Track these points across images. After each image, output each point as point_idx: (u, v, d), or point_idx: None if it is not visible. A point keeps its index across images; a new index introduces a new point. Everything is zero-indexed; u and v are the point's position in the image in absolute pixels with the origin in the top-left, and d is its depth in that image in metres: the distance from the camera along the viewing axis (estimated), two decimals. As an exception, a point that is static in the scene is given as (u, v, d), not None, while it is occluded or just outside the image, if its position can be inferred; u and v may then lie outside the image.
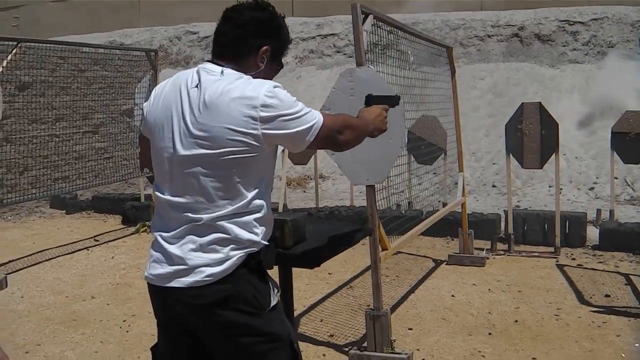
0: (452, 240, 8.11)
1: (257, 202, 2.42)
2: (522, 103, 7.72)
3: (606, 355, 4.79)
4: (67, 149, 9.55)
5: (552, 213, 7.66)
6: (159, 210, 2.51)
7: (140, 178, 10.07)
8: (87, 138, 9.78)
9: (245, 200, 2.38)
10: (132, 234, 9.31)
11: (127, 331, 5.49)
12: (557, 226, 7.42)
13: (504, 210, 8.06)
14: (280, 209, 8.04)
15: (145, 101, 2.71)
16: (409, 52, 5.88)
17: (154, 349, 2.65)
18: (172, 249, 2.39)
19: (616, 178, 10.06)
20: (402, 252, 7.69)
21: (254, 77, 2.41)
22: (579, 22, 13.89)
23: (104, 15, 17.59)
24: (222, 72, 2.41)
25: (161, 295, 2.46)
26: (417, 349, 4.90)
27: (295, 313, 5.62)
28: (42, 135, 9.57)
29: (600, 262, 7.18)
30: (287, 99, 2.36)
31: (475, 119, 12.25)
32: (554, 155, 7.59)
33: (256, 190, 2.41)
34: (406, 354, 4.55)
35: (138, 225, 9.40)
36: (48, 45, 8.68)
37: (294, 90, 13.86)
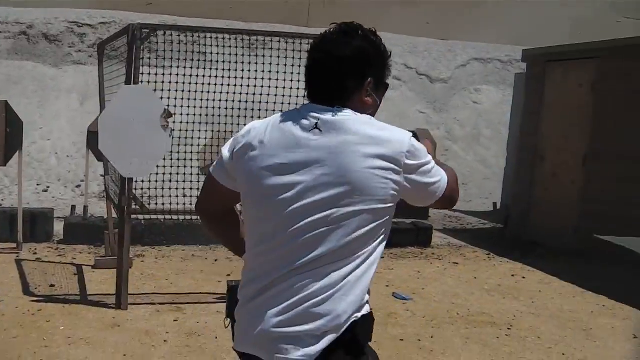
0: None
1: None
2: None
3: (31, 340, 5.10)
4: None
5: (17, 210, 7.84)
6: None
7: None
8: None
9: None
10: None
11: None
12: (19, 222, 7.62)
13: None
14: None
15: None
16: None
17: None
18: None
19: (102, 175, 10.67)
20: None
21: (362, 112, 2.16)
22: (88, 25, 14.30)
23: None
24: (334, 113, 2.11)
25: None
26: None
27: None
28: None
29: (60, 255, 7.57)
30: (424, 149, 2.17)
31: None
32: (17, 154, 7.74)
33: None
34: None
35: None
36: None
37: None
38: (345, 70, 2.14)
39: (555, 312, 6.42)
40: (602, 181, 8.37)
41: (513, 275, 7.78)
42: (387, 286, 6.87)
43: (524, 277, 7.72)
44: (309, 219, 2.05)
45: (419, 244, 8.81)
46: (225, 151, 2.25)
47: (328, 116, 2.10)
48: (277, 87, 6.35)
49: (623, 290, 6.91)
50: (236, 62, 6.36)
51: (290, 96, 6.22)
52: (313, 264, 2.05)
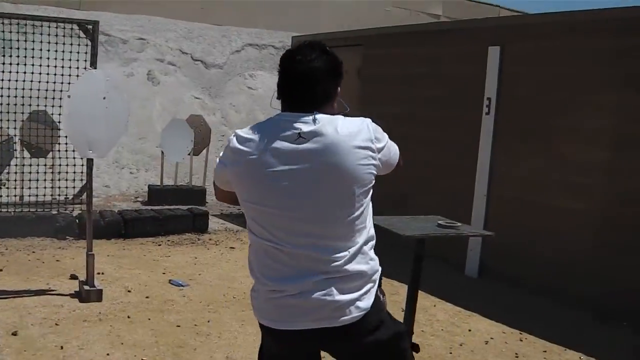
0: None
1: None
2: None
3: None
4: None
5: None
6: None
7: None
8: None
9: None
10: None
11: None
12: None
13: None
14: None
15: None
16: None
17: None
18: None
19: None
20: None
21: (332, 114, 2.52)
22: None
23: None
24: (314, 119, 2.42)
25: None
26: None
27: None
28: None
29: None
30: (380, 128, 2.59)
31: None
32: None
33: None
34: None
35: None
36: None
37: None
38: (330, 81, 2.54)
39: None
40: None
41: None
42: (164, 273, 6.87)
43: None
44: (323, 211, 2.42)
45: (195, 230, 8.83)
46: (220, 161, 2.57)
47: (309, 124, 2.41)
48: (47, 74, 6.15)
49: (390, 266, 7.35)
50: (7, 48, 6.11)
51: (61, 83, 6.06)
52: (342, 246, 2.44)
